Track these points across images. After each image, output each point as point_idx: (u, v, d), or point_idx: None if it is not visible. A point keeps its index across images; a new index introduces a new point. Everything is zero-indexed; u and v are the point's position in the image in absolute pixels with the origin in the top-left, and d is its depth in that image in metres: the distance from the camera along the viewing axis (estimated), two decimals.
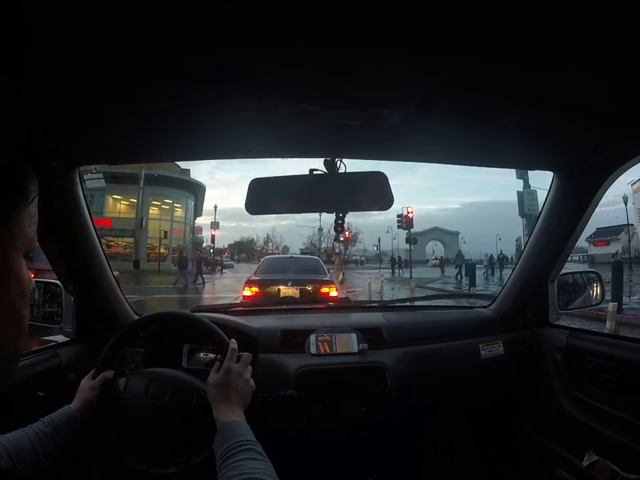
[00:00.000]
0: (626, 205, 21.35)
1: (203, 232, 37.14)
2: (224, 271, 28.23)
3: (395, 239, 44.73)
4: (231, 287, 13.46)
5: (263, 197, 0.91)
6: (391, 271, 24.91)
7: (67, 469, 0.79)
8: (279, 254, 31.23)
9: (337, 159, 0.90)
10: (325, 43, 0.53)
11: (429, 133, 0.86)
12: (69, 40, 0.50)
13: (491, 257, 21.45)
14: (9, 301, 0.34)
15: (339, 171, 0.91)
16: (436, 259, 45.24)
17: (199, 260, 17.38)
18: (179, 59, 0.57)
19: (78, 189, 0.99)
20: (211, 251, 32.66)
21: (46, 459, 0.67)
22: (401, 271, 24.88)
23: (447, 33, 0.51)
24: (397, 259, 27.29)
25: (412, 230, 19.59)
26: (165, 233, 24.47)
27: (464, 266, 16.58)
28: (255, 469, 0.57)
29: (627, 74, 0.60)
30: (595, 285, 1.39)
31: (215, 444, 0.65)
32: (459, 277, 17.14)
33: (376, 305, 2.07)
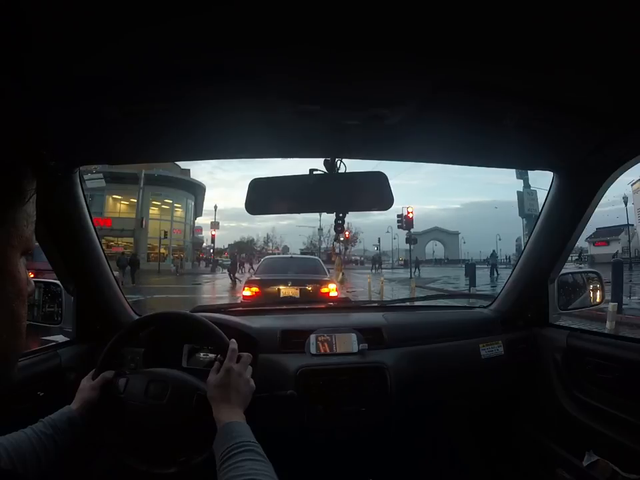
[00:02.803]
0: (626, 205, 21.40)
1: (203, 232, 37.31)
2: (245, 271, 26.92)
3: (395, 239, 44.92)
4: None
5: (263, 197, 0.91)
6: (371, 269, 31.05)
7: (68, 469, 0.79)
8: (279, 254, 31.28)
9: (337, 159, 0.90)
10: (325, 43, 0.53)
11: (429, 133, 0.85)
12: (68, 40, 0.50)
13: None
14: (5, 300, 0.33)
15: (339, 171, 0.91)
16: (401, 259, 47.64)
17: (133, 259, 16.85)
18: (179, 59, 0.57)
19: (78, 189, 0.99)
20: (211, 251, 32.76)
21: (46, 460, 0.67)
22: (380, 269, 31.04)
23: (446, 33, 0.51)
24: (377, 258, 33.87)
25: (412, 230, 19.55)
26: (165, 233, 24.50)
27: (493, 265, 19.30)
28: (255, 469, 0.57)
29: (627, 74, 0.60)
30: (595, 285, 1.39)
31: (215, 444, 0.65)
32: (493, 274, 18.65)
33: (376, 304, 2.07)
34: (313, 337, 1.18)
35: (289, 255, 8.80)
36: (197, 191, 29.46)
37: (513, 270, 1.37)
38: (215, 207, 30.32)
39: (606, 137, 0.82)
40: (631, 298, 8.39)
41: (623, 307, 6.44)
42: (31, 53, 0.51)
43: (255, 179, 0.90)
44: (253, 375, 0.82)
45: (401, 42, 0.53)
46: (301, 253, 27.46)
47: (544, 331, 1.27)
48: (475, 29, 0.50)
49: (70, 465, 0.81)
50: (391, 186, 0.88)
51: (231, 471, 0.57)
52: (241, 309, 1.70)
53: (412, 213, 17.74)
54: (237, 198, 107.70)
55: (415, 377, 1.16)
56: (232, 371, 0.77)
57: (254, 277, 5.10)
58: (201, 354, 1.12)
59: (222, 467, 0.59)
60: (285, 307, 1.77)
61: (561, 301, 1.29)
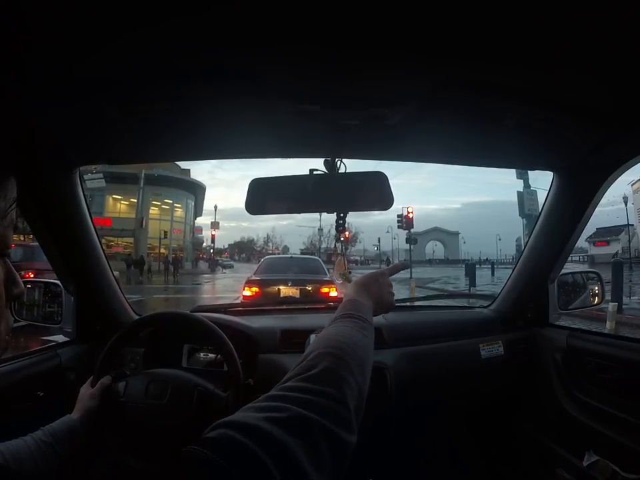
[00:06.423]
0: (626, 205, 21.40)
1: (203, 232, 37.42)
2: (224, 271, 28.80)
3: (395, 239, 44.91)
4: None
5: (263, 197, 0.91)
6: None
7: (67, 471, 0.79)
8: (279, 254, 31.35)
9: (337, 159, 0.90)
10: (325, 43, 0.53)
11: (429, 133, 0.85)
12: (68, 40, 0.50)
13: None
14: None
15: (339, 171, 0.91)
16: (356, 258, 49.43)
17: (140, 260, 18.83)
18: (179, 59, 0.57)
19: (78, 189, 0.99)
20: (211, 251, 32.87)
21: (44, 467, 0.67)
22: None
23: (447, 32, 0.51)
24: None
25: (412, 230, 19.53)
26: (165, 233, 24.52)
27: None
28: (347, 333, 0.49)
29: (627, 74, 0.60)
30: (595, 285, 1.39)
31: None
32: None
33: None
34: (313, 337, 1.18)
35: (289, 255, 8.80)
36: (197, 190, 29.47)
37: (513, 270, 1.37)
38: (215, 207, 30.43)
39: (606, 137, 0.82)
40: (631, 298, 8.39)
41: (623, 307, 6.45)
42: (31, 52, 0.51)
43: (255, 179, 0.90)
44: (252, 375, 0.81)
45: (401, 42, 0.53)
46: (301, 253, 27.48)
47: (544, 331, 1.27)
48: (475, 28, 0.50)
49: (69, 467, 0.81)
50: (391, 186, 0.87)
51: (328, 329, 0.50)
52: (240, 309, 1.70)
53: (412, 212, 17.74)
54: (237, 198, 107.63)
55: (415, 376, 1.16)
56: (384, 276, 0.69)
57: (254, 277, 5.10)
58: (201, 354, 1.12)
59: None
60: (284, 307, 1.77)
61: (561, 300, 1.29)
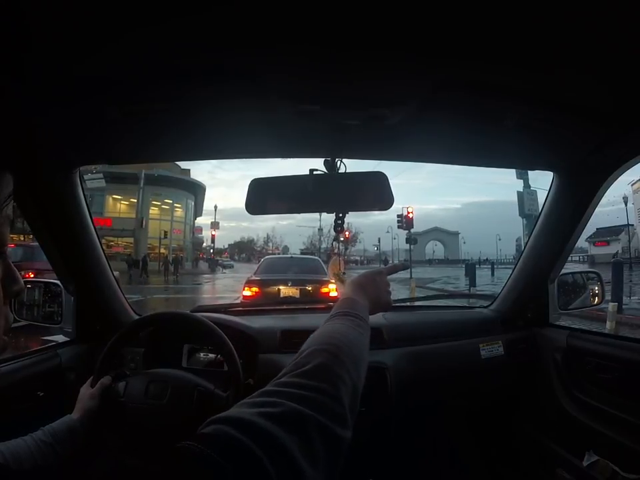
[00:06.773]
0: (626, 205, 21.39)
1: (203, 232, 37.46)
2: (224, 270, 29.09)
3: (395, 239, 44.92)
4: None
5: (263, 197, 0.91)
6: None
7: (67, 471, 0.79)
8: (279, 254, 31.36)
9: (337, 159, 0.90)
10: (325, 43, 0.53)
11: (429, 133, 0.86)
12: (68, 40, 0.50)
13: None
14: None
15: (339, 171, 0.91)
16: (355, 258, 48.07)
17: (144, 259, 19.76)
18: (179, 59, 0.57)
19: (78, 189, 0.99)
20: (211, 251, 32.93)
21: (44, 467, 0.67)
22: None
23: (447, 32, 0.51)
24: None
25: (412, 230, 19.50)
26: (165, 232, 24.54)
27: None
28: (343, 331, 0.49)
29: (627, 74, 0.60)
30: (595, 285, 1.39)
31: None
32: None
33: None
34: None
35: (289, 255, 8.80)
36: (196, 190, 29.46)
37: (513, 270, 1.37)
38: (215, 207, 30.48)
39: (606, 137, 0.82)
40: (631, 298, 8.39)
41: (623, 307, 6.45)
42: (31, 53, 0.51)
43: (255, 179, 0.90)
44: (252, 375, 0.81)
45: (401, 42, 0.53)
46: (301, 253, 27.44)
47: (544, 331, 1.27)
48: (475, 28, 0.50)
49: (69, 467, 0.81)
50: (391, 186, 0.87)
51: (323, 327, 0.51)
52: (240, 309, 1.70)
53: (412, 213, 17.73)
54: (237, 198, 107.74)
55: (415, 376, 1.16)
56: (382, 275, 0.69)
57: (254, 277, 5.10)
58: (201, 354, 1.12)
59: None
60: (284, 307, 1.77)
61: (561, 300, 1.29)
